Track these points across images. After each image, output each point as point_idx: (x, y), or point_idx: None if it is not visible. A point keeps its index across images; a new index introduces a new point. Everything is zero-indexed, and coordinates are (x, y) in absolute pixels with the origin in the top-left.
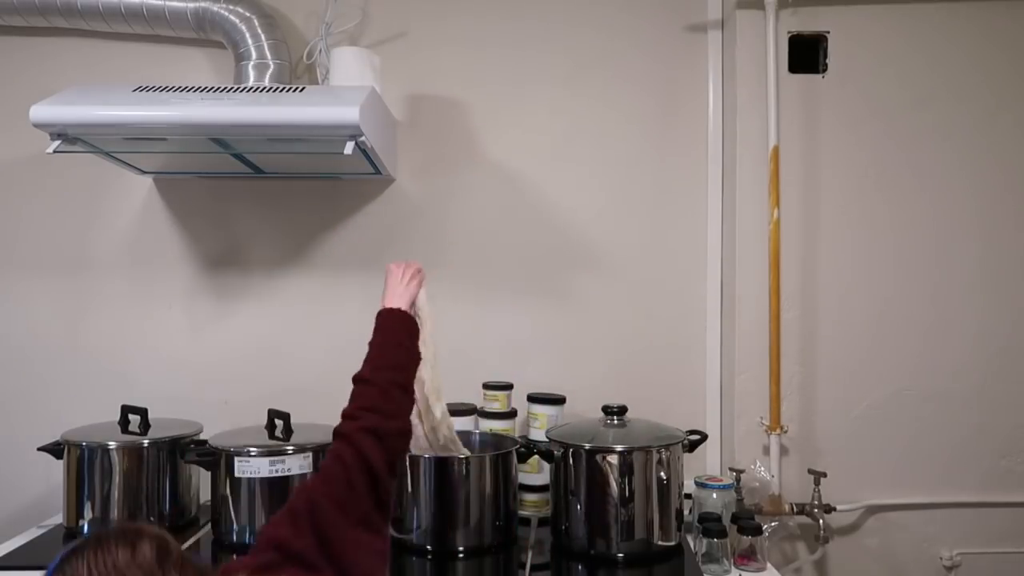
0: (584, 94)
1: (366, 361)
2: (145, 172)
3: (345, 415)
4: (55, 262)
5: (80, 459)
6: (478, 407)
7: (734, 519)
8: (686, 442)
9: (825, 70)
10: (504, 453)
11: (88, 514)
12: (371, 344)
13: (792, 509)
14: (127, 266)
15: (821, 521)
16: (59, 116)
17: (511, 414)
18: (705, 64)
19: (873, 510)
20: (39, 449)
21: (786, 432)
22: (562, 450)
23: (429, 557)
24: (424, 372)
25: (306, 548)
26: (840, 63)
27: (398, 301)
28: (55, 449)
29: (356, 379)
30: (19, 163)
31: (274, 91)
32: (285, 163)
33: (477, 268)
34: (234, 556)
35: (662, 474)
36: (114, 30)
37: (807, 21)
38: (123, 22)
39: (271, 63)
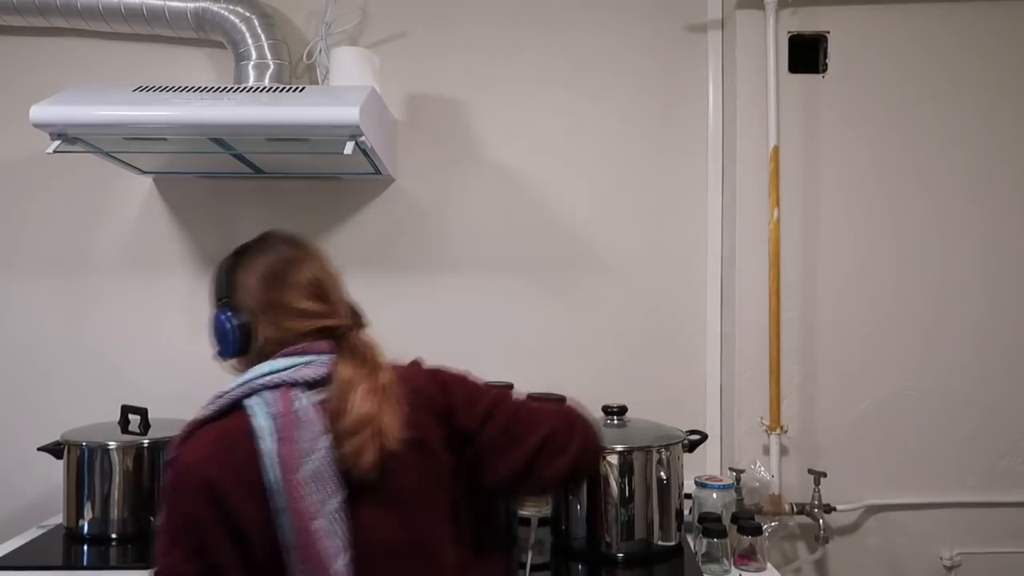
0: (584, 94)
1: None
2: (145, 172)
3: None
4: (55, 262)
5: (80, 459)
6: None
7: (734, 519)
8: (686, 442)
9: (825, 70)
10: None
11: (88, 514)
12: None
13: (792, 509)
14: (127, 266)
15: (821, 521)
16: (59, 116)
17: None
18: (705, 64)
19: (873, 510)
20: (39, 449)
21: (786, 432)
22: None
23: None
24: None
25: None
26: (840, 63)
27: None
28: (55, 449)
29: None
30: (19, 163)
31: (274, 91)
32: (285, 163)
33: (477, 268)
34: None
35: (662, 474)
36: (114, 30)
37: (807, 21)
38: (123, 22)
39: (271, 63)
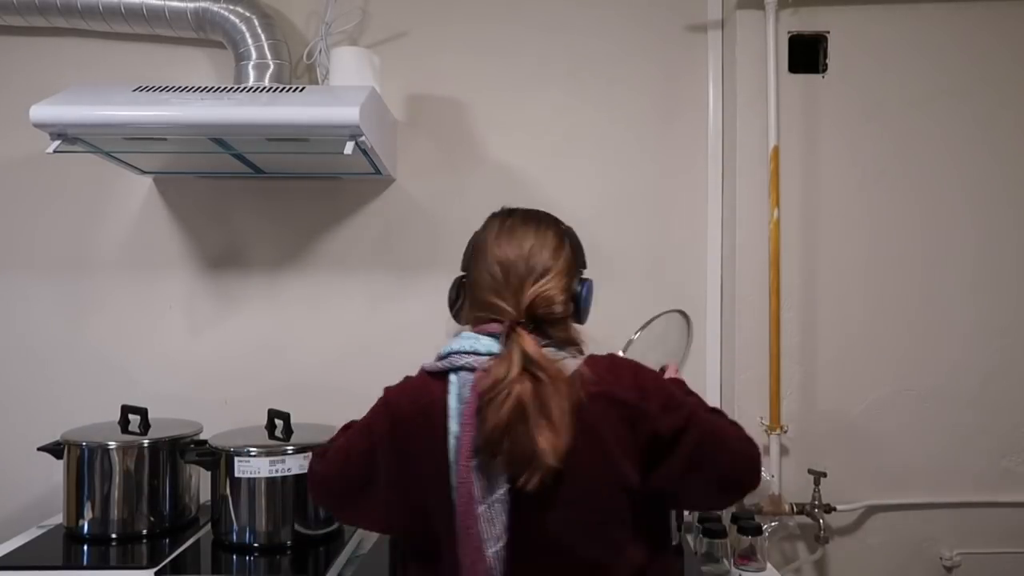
0: (584, 93)
1: None
2: (145, 172)
3: None
4: (55, 262)
5: (80, 459)
6: None
7: (734, 519)
8: None
9: (825, 70)
10: None
11: (88, 514)
12: None
13: (792, 509)
14: (127, 266)
15: (821, 521)
16: (59, 116)
17: None
18: (705, 64)
19: (873, 510)
20: (39, 449)
21: (786, 432)
22: None
23: None
24: None
25: None
26: (840, 63)
27: None
28: (55, 449)
29: None
30: (19, 163)
31: (274, 91)
32: (285, 163)
33: None
34: (234, 556)
35: None
36: (114, 30)
37: (807, 21)
38: (123, 22)
39: (271, 63)
